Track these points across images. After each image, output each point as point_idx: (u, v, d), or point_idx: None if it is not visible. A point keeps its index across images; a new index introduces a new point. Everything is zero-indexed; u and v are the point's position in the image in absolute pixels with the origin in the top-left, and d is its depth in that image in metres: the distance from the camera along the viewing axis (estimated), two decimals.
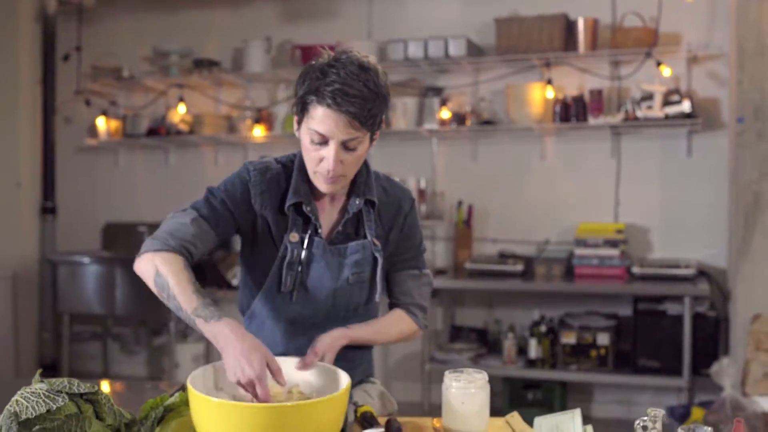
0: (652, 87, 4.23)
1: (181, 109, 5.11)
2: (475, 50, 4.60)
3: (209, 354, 4.92)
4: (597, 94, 4.39)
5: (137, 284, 5.10)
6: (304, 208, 1.83)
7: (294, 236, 1.82)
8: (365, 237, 1.87)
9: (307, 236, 1.83)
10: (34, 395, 1.38)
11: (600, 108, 4.37)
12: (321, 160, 1.73)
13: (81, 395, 1.42)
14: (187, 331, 4.98)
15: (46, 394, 1.38)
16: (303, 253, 1.82)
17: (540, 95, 4.48)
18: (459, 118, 4.62)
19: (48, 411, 1.35)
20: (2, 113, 5.25)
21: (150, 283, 1.68)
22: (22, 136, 5.30)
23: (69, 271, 4.99)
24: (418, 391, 4.56)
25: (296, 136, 1.79)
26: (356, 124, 1.68)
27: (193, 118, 5.09)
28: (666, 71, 4.26)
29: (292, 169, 1.86)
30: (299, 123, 1.76)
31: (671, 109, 4.18)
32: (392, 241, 1.93)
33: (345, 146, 1.71)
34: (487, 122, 4.58)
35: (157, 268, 1.66)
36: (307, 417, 1.40)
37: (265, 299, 1.88)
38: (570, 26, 4.42)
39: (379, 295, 1.91)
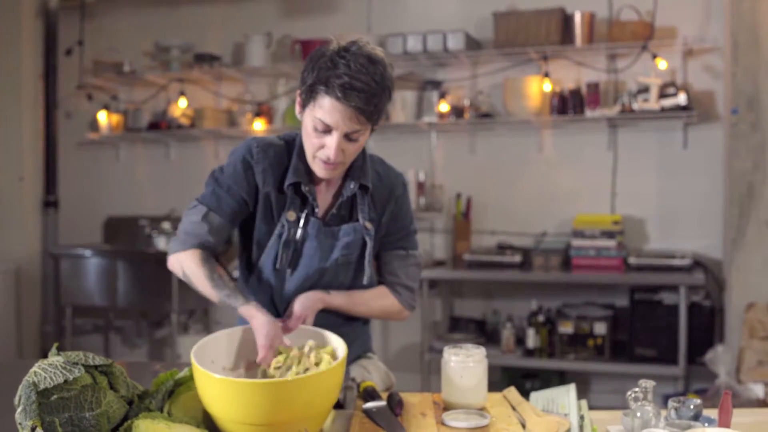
0: (648, 80, 4.28)
1: (182, 103, 5.15)
2: (473, 44, 4.65)
3: None
4: (594, 87, 4.44)
5: (139, 277, 5.15)
6: (302, 188, 1.87)
7: (291, 215, 1.87)
8: (358, 220, 1.92)
9: (304, 216, 1.88)
10: (51, 366, 1.41)
11: (597, 101, 4.42)
12: (322, 146, 1.77)
13: (96, 367, 1.46)
14: (188, 323, 5.03)
15: (63, 365, 1.42)
16: (299, 232, 1.87)
17: (537, 88, 4.53)
18: (457, 112, 4.67)
19: (65, 381, 1.39)
20: (5, 108, 5.30)
21: (182, 278, 1.88)
22: (25, 130, 5.34)
23: (71, 264, 5.03)
24: (418, 381, 4.60)
25: (298, 118, 1.83)
26: (362, 118, 1.72)
27: (194, 112, 5.13)
28: (662, 64, 4.31)
29: (294, 147, 1.90)
30: (303, 107, 1.79)
31: (667, 102, 4.24)
32: (384, 224, 1.98)
33: (347, 137, 1.75)
34: (486, 115, 4.63)
35: (183, 268, 1.85)
36: (304, 390, 1.44)
37: (260, 275, 1.93)
38: (567, 20, 4.47)
39: (367, 278, 1.95)
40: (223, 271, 1.83)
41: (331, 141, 1.74)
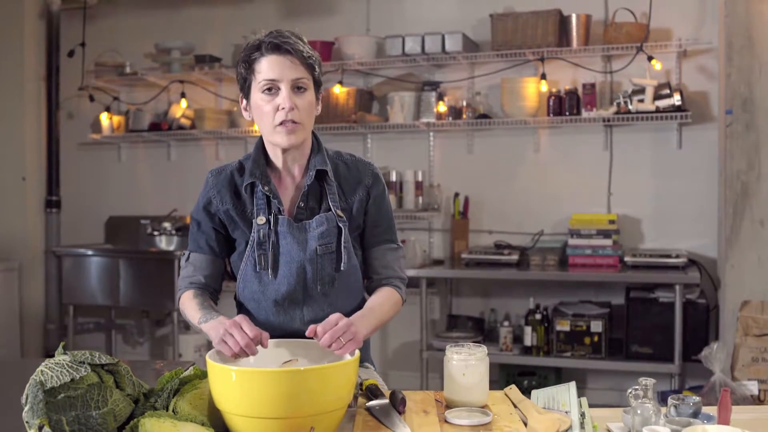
0: (644, 81, 4.32)
1: (183, 104, 5.20)
2: (470, 45, 4.70)
3: (211, 344, 5.02)
4: (590, 88, 4.48)
5: (140, 276, 5.21)
6: (262, 188, 1.92)
7: (261, 219, 1.92)
8: (329, 210, 1.94)
9: (272, 217, 1.92)
10: (58, 365, 1.43)
11: (593, 101, 4.46)
12: (277, 109, 1.85)
13: (102, 366, 1.49)
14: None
15: (70, 364, 1.44)
16: (270, 234, 1.91)
17: (534, 89, 4.58)
18: (455, 112, 4.71)
19: (72, 380, 1.42)
20: (8, 109, 5.35)
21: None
22: (27, 131, 5.39)
23: (73, 263, 5.08)
24: (417, 380, 4.64)
25: (246, 117, 1.95)
26: (297, 62, 1.84)
27: (195, 113, 5.17)
28: (657, 65, 4.36)
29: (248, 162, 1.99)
30: (247, 97, 1.91)
31: (662, 103, 4.28)
32: (357, 214, 1.99)
33: (295, 89, 1.86)
34: (483, 116, 4.67)
35: (180, 307, 2.00)
36: (318, 381, 1.46)
37: (245, 283, 1.97)
38: (564, 22, 4.52)
39: (344, 265, 1.94)
40: (214, 305, 1.96)
41: (282, 94, 1.84)
